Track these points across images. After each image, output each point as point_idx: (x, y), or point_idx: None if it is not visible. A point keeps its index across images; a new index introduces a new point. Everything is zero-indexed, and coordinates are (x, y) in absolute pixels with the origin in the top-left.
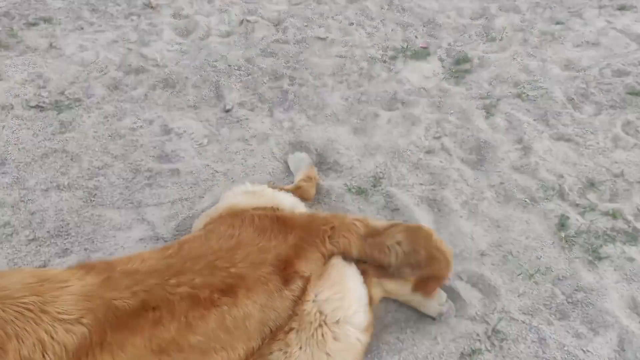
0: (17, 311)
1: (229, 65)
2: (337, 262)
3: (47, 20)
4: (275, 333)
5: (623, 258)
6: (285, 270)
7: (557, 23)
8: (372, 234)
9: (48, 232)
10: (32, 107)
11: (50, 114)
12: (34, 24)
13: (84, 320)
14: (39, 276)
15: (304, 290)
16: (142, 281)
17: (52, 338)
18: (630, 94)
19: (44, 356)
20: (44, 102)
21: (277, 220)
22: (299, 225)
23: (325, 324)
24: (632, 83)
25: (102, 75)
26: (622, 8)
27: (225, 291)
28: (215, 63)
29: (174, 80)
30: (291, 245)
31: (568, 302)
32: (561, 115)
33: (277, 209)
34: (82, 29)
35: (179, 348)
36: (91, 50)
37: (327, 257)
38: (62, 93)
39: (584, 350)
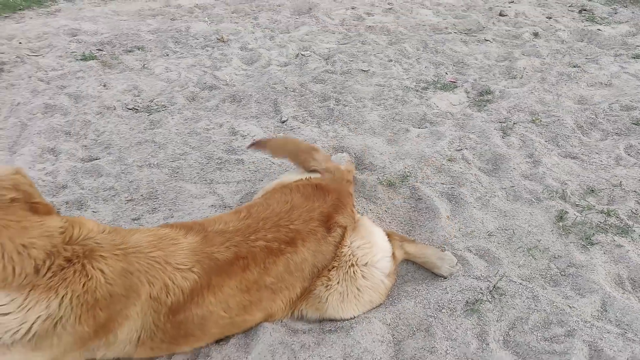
0: (148, 263)
1: (286, 88)
2: (366, 222)
3: (140, 48)
4: (320, 272)
5: (613, 245)
6: (328, 222)
7: (574, 66)
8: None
9: (141, 195)
10: (129, 109)
11: (142, 115)
12: (130, 51)
13: (194, 269)
14: (155, 235)
15: (342, 237)
16: (231, 238)
17: (173, 283)
18: (635, 124)
19: (167, 297)
20: (138, 106)
21: (317, 187)
22: (333, 190)
23: (357, 264)
24: (638, 116)
25: (182, 89)
26: (636, 57)
27: (289, 242)
28: (274, 85)
29: (240, 97)
30: (330, 204)
31: (561, 275)
32: (570, 139)
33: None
34: (167, 55)
35: (258, 287)
36: (174, 71)
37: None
38: (152, 101)
39: (570, 307)
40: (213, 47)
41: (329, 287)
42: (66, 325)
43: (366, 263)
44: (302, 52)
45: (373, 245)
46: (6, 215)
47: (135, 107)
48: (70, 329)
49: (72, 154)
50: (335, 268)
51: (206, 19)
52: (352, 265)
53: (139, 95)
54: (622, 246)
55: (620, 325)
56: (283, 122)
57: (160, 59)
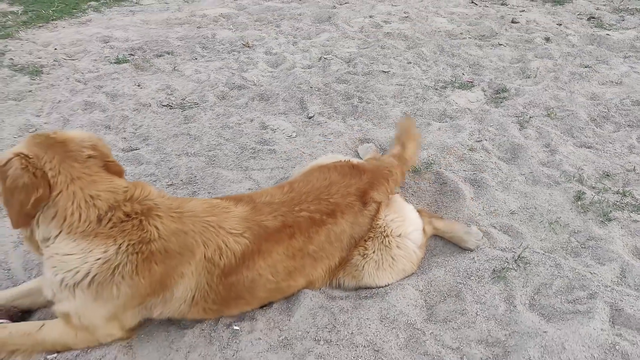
0: (203, 226)
1: (311, 87)
2: (399, 199)
3: (170, 53)
4: (357, 243)
5: (629, 220)
6: (364, 197)
7: (586, 67)
8: (401, 161)
9: (181, 180)
10: (164, 105)
11: (177, 111)
12: (161, 55)
13: (246, 235)
14: (209, 203)
15: (377, 211)
16: (278, 209)
17: (226, 246)
18: None
19: (220, 259)
20: (172, 104)
21: (353, 167)
22: (369, 170)
23: (391, 235)
24: None
25: (213, 89)
26: None
27: (329, 214)
28: (300, 85)
29: (268, 95)
30: (365, 182)
31: (581, 247)
32: (584, 130)
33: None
34: (196, 59)
35: (302, 255)
36: (204, 73)
37: (390, 191)
38: (184, 99)
39: (591, 273)
40: (239, 52)
41: (365, 256)
42: (124, 273)
43: (400, 234)
44: (325, 56)
45: (405, 219)
46: (81, 168)
47: (170, 104)
48: (128, 279)
49: (113, 145)
50: (371, 239)
51: (231, 26)
52: (387, 236)
53: (172, 94)
54: (638, 221)
55: (638, 289)
56: (310, 117)
57: (190, 62)
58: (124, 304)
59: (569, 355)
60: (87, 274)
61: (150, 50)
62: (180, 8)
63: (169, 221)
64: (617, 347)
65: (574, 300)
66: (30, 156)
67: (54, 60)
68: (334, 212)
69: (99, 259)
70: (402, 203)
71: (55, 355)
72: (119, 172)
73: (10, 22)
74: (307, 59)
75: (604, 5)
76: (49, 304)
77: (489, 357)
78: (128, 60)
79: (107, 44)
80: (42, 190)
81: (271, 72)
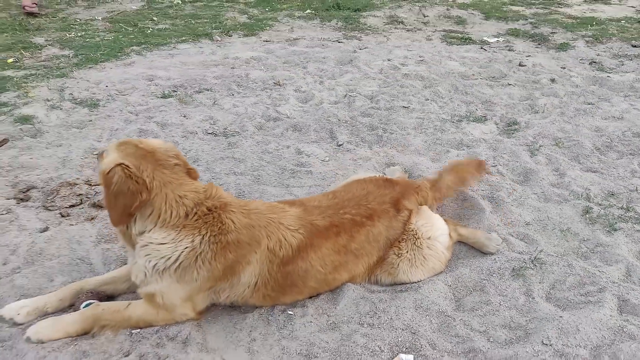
0: (267, 221)
1: (339, 120)
2: (427, 209)
3: (209, 89)
4: (392, 244)
5: (633, 230)
6: (397, 205)
7: (589, 104)
8: (432, 187)
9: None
10: (208, 133)
11: (220, 138)
12: (201, 92)
13: (300, 231)
14: (269, 204)
15: (409, 217)
16: (325, 211)
17: (285, 239)
18: None
19: (280, 250)
20: (216, 132)
21: (387, 180)
22: (401, 183)
23: (422, 237)
24: None
25: (250, 120)
26: None
27: (368, 217)
28: (328, 118)
29: (300, 126)
30: (398, 192)
31: (590, 252)
32: (590, 157)
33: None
34: (232, 95)
35: (346, 251)
36: (241, 107)
37: (419, 203)
38: (226, 128)
39: (600, 271)
40: (271, 89)
41: (399, 255)
42: (204, 259)
43: (429, 237)
44: (349, 93)
45: (434, 225)
46: (170, 174)
47: (214, 132)
48: (207, 264)
49: None
50: (405, 240)
51: (262, 67)
52: (418, 238)
53: (214, 124)
54: None
55: None
56: (339, 145)
57: (227, 97)
58: (200, 286)
59: (583, 335)
60: (175, 260)
61: (191, 87)
62: (214, 52)
63: (241, 216)
64: (624, 329)
65: (586, 294)
66: (130, 166)
67: (108, 95)
68: (372, 216)
69: (187, 247)
70: (430, 212)
71: (138, 330)
72: (196, 177)
73: (63, 64)
74: (333, 96)
75: (604, 52)
76: (129, 290)
77: (512, 338)
78: (172, 95)
79: (152, 81)
80: (145, 194)
81: (301, 107)
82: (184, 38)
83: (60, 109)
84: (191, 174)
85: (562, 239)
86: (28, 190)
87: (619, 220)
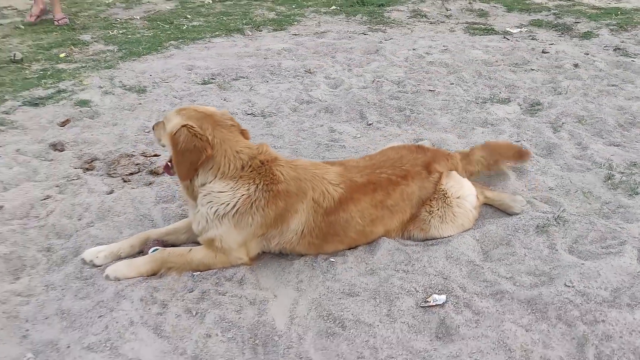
0: (311, 175)
1: (368, 102)
2: (455, 173)
3: (245, 77)
4: (424, 202)
5: None
6: (428, 167)
7: (613, 85)
8: (463, 158)
9: None
10: (248, 114)
11: (259, 118)
12: (237, 79)
13: (341, 185)
14: (313, 162)
15: (439, 179)
16: (363, 170)
17: (328, 192)
18: None
19: (323, 201)
20: (254, 113)
21: (419, 147)
22: (432, 150)
23: (452, 196)
24: None
25: (285, 103)
26: None
27: (402, 177)
28: (358, 101)
29: (332, 109)
30: (429, 156)
31: (612, 212)
32: (612, 133)
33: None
34: (267, 82)
35: (382, 207)
36: (275, 92)
37: (449, 168)
38: (263, 110)
39: (620, 227)
40: (303, 77)
41: (431, 212)
42: (258, 206)
43: (459, 196)
44: (377, 79)
45: (463, 186)
46: (229, 133)
47: (253, 113)
48: (260, 210)
49: None
50: (435, 199)
51: (293, 57)
52: (448, 197)
53: (253, 106)
54: None
55: None
56: (369, 124)
57: (262, 84)
58: (254, 232)
59: (604, 279)
60: (234, 206)
61: (228, 75)
62: (246, 45)
63: (289, 169)
64: None
65: (607, 247)
66: (194, 126)
67: (153, 83)
68: (406, 176)
69: (243, 195)
70: (458, 176)
71: (199, 273)
72: (248, 138)
73: (109, 57)
74: (361, 82)
75: (629, 39)
76: (188, 240)
77: (537, 283)
78: (212, 82)
79: (191, 71)
80: (209, 150)
81: (332, 91)
82: (217, 33)
83: (113, 94)
84: (244, 134)
85: (585, 202)
86: (92, 161)
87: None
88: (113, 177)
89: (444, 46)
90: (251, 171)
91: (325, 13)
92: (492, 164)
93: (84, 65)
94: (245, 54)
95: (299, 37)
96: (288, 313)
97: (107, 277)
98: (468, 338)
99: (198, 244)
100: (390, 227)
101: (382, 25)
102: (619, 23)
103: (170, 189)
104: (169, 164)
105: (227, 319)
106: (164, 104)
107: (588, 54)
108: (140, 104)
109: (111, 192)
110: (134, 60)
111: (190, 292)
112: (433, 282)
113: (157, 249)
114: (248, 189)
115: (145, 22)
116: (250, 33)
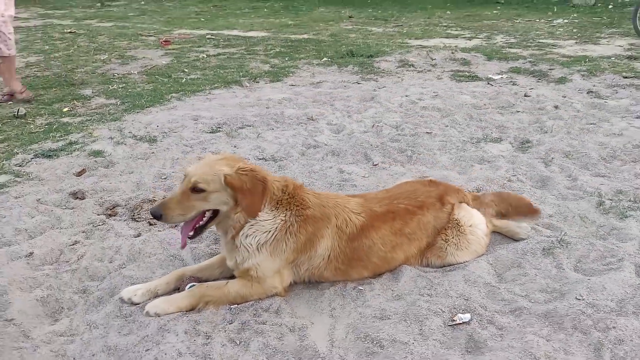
0: (334, 203)
1: (371, 145)
2: (465, 205)
3: (250, 125)
4: (439, 232)
5: None
6: (442, 199)
7: (592, 124)
8: (474, 199)
9: None
10: (259, 159)
11: (270, 162)
12: (243, 127)
13: (362, 214)
14: (334, 193)
15: (452, 209)
16: (381, 201)
17: (350, 219)
18: None
19: (346, 227)
20: (265, 157)
21: (431, 181)
22: (443, 184)
23: (465, 225)
24: None
25: (293, 148)
26: (639, 117)
27: (419, 207)
28: (361, 144)
29: (338, 152)
30: (441, 190)
31: (607, 234)
32: (597, 166)
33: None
34: (272, 129)
35: (401, 234)
36: (282, 138)
37: (459, 200)
38: (273, 155)
39: (616, 247)
40: (306, 124)
41: (447, 240)
42: (292, 232)
43: (471, 225)
44: (376, 124)
45: (473, 216)
46: (267, 176)
47: (264, 158)
48: (293, 235)
49: None
50: (450, 228)
51: (294, 106)
52: (462, 225)
53: (263, 152)
54: None
55: None
56: (375, 165)
57: (269, 131)
58: (287, 257)
59: (609, 292)
60: (273, 233)
61: (234, 124)
62: (247, 95)
63: (314, 197)
64: None
65: (607, 264)
66: (248, 167)
67: (162, 132)
68: (422, 207)
69: (281, 220)
70: (467, 207)
71: (236, 306)
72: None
73: (113, 111)
74: (362, 127)
75: (599, 83)
76: (221, 276)
77: (550, 298)
78: (219, 130)
79: (197, 121)
80: (268, 184)
81: (335, 136)
82: (216, 85)
83: (125, 144)
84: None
85: (582, 226)
86: (114, 207)
87: (629, 209)
88: (138, 221)
89: (434, 92)
90: (286, 200)
91: (317, 65)
92: (502, 211)
93: (89, 118)
94: (247, 104)
95: (296, 87)
96: (327, 337)
97: (147, 314)
98: (496, 350)
99: (232, 278)
100: (409, 253)
101: (373, 75)
102: (589, 69)
103: None
104: (199, 224)
105: (270, 345)
106: (175, 152)
107: (565, 96)
108: (153, 152)
109: (138, 235)
110: (137, 112)
111: (230, 323)
112: (456, 303)
113: (194, 285)
114: (284, 215)
115: (144, 76)
116: (248, 84)
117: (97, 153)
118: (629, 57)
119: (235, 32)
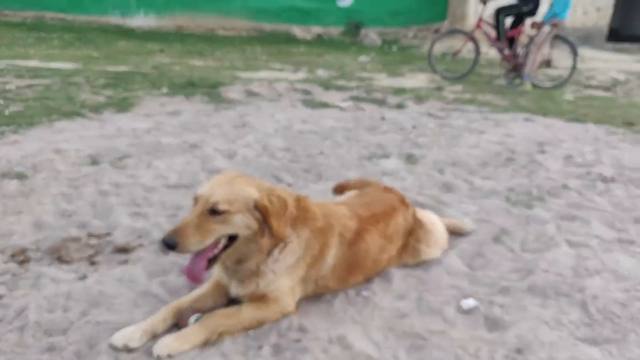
0: (332, 212)
1: (274, 167)
2: (420, 209)
3: (130, 156)
4: (410, 232)
5: (543, 205)
6: (404, 202)
7: (453, 138)
8: None
9: None
10: (170, 187)
11: (182, 190)
12: (125, 158)
13: (353, 219)
14: (323, 202)
15: (414, 211)
16: (362, 206)
17: (347, 225)
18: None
19: (346, 233)
20: (176, 185)
21: (386, 188)
22: (393, 190)
23: (428, 223)
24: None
25: (196, 175)
26: (481, 132)
27: (394, 210)
28: (264, 168)
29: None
30: (399, 194)
31: (529, 221)
32: (479, 171)
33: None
34: (160, 158)
35: (384, 236)
36: (177, 165)
37: None
38: (181, 181)
39: (543, 229)
40: (191, 150)
41: (418, 240)
42: (308, 245)
43: (433, 222)
44: (266, 148)
45: (431, 215)
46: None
47: (175, 185)
48: (309, 250)
49: None
50: (418, 228)
51: (166, 134)
52: (425, 224)
53: (167, 179)
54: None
55: None
56: (290, 185)
57: (157, 160)
58: (300, 274)
59: (562, 262)
60: (300, 254)
61: (111, 155)
62: (102, 126)
63: (318, 208)
64: (580, 254)
65: (545, 242)
66: (270, 188)
67: (27, 168)
68: (394, 209)
69: (305, 240)
70: (424, 211)
71: (253, 331)
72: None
73: None
74: (253, 152)
75: (430, 107)
76: (214, 305)
77: (522, 276)
78: (101, 162)
79: (62, 153)
80: (290, 206)
81: (231, 161)
82: (54, 117)
83: None
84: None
85: (507, 217)
86: (23, 252)
87: (530, 201)
88: (70, 263)
89: (301, 118)
90: (303, 217)
91: (160, 95)
92: None
93: None
94: (110, 135)
95: (154, 116)
96: (369, 341)
97: (158, 358)
98: (516, 322)
99: (226, 306)
100: (390, 255)
101: (226, 104)
102: (416, 97)
103: (157, 262)
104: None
105: (320, 359)
106: (62, 186)
107: (414, 118)
108: (31, 189)
109: (84, 277)
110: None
111: (259, 349)
112: (453, 292)
113: (200, 316)
114: (304, 234)
115: None
116: (93, 116)
117: None
118: (436, 88)
119: (34, 63)
